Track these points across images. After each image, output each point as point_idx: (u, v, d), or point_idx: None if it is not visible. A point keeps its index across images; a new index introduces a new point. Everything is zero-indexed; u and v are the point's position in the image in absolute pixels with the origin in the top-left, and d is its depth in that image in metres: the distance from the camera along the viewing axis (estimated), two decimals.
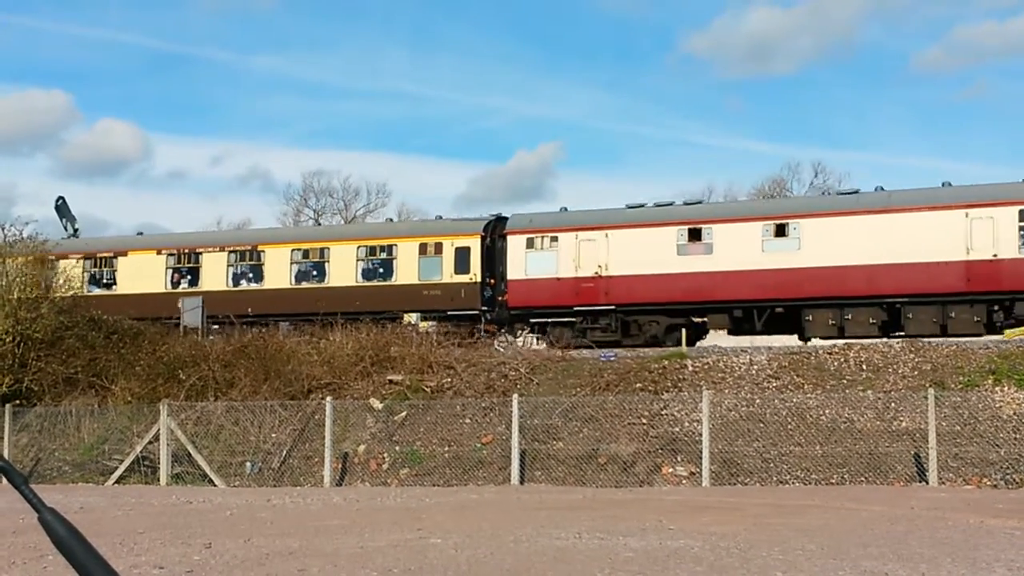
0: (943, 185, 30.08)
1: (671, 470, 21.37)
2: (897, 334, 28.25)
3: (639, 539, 12.38)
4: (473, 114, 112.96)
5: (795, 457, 20.94)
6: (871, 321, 29.02)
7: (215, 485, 22.94)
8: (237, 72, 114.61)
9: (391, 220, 38.16)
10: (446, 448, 23.25)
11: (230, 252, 36.15)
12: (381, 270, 34.85)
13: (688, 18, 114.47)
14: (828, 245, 29.42)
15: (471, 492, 19.95)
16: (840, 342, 26.31)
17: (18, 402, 26.67)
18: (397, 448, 23.64)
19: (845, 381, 22.83)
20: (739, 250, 30.29)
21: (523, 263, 32.39)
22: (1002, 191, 29.01)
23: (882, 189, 31.13)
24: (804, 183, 70.78)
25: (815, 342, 28.06)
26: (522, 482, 21.49)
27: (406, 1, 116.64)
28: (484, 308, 33.11)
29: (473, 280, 33.32)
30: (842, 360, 23.54)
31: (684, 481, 21.00)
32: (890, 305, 29.04)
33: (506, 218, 34.69)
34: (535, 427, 22.65)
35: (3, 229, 31.76)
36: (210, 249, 36.51)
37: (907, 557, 10.90)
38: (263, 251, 35.72)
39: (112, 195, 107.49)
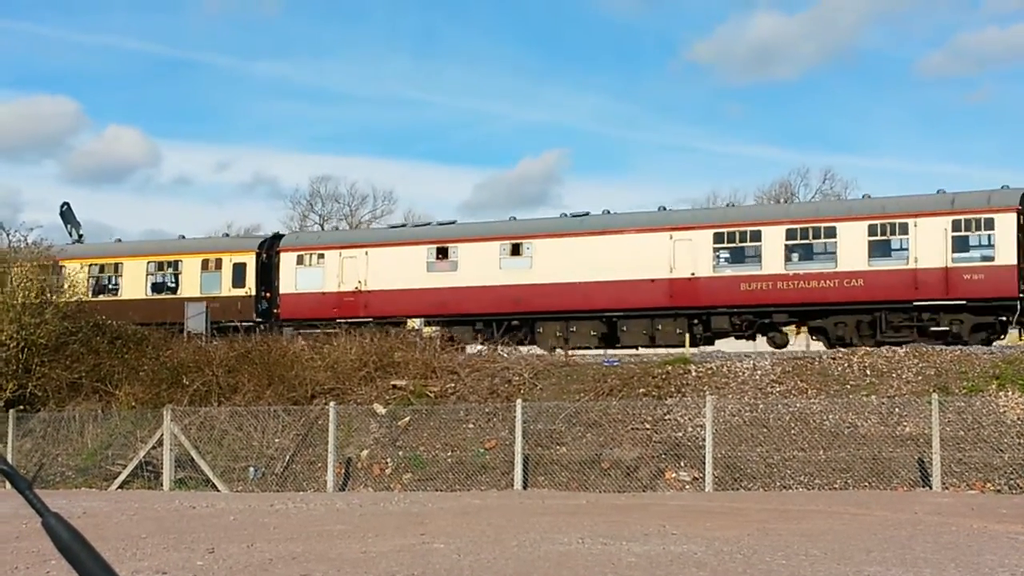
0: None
1: (674, 475, 21.36)
2: (617, 345, 30.87)
3: (642, 544, 12.38)
4: (477, 120, 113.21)
5: (798, 462, 20.93)
6: (592, 333, 31.32)
7: (218, 490, 22.95)
8: (242, 77, 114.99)
9: (183, 237, 39.77)
10: (449, 453, 23.25)
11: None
12: (169, 284, 37.56)
13: (692, 25, 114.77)
14: (556, 264, 31.86)
15: (474, 497, 19.94)
16: (843, 348, 26.31)
17: (22, 407, 26.71)
18: (400, 453, 23.64)
19: (849, 386, 22.82)
20: (480, 267, 32.83)
21: (294, 278, 35.03)
22: (701, 215, 33.13)
23: (608, 212, 33.72)
24: (812, 188, 70.73)
25: (815, 346, 28.14)
26: (525, 487, 21.49)
27: (410, 7, 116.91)
28: (259, 320, 34.95)
29: (248, 294, 35.73)
30: (846, 365, 23.53)
31: (687, 486, 20.99)
32: (608, 318, 31.24)
33: (282, 236, 37.98)
34: (538, 432, 22.65)
35: (8, 235, 31.86)
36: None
37: (911, 562, 10.89)
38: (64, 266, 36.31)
39: (118, 201, 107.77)
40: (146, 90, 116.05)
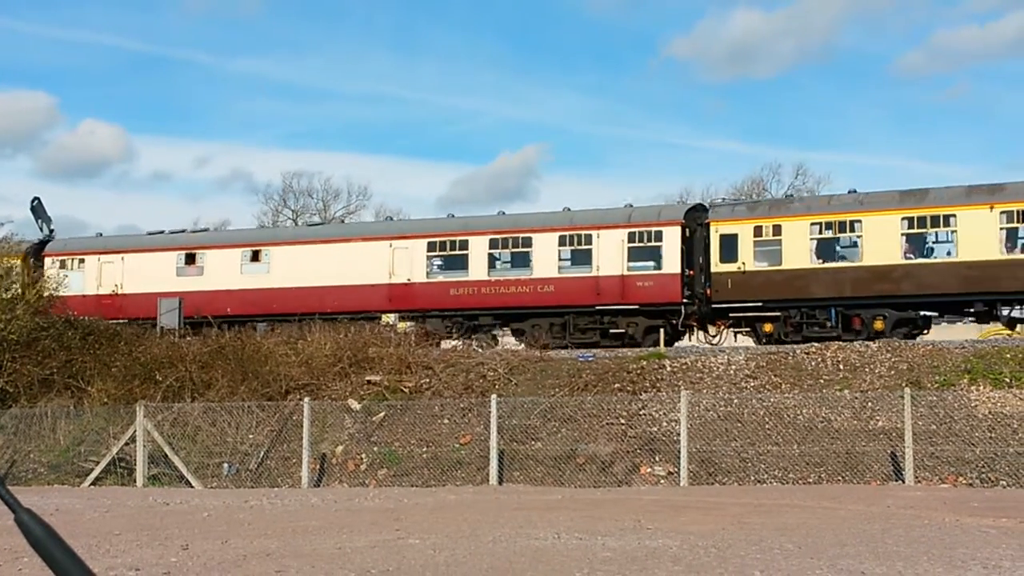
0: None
1: (649, 470, 21.41)
2: None
3: (617, 539, 12.40)
4: (455, 116, 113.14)
5: (773, 456, 21.03)
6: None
7: (192, 486, 22.84)
8: (219, 74, 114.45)
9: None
10: (424, 449, 23.23)
11: None
12: None
13: (671, 22, 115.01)
14: (292, 270, 34.65)
15: (449, 493, 19.93)
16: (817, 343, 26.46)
17: None
18: (375, 449, 23.60)
19: (822, 381, 22.94)
20: (224, 272, 35.43)
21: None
22: (417, 225, 35.69)
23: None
24: (784, 184, 71.04)
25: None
26: (501, 482, 21.49)
27: (388, 3, 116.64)
28: None
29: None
30: (819, 360, 23.66)
31: (662, 481, 21.04)
32: (339, 321, 32.39)
33: (48, 242, 38.84)
34: (514, 427, 22.65)
35: None
36: None
37: (884, 555, 10.95)
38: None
39: (94, 197, 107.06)
40: (123, 86, 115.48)
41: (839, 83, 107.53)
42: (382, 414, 24.31)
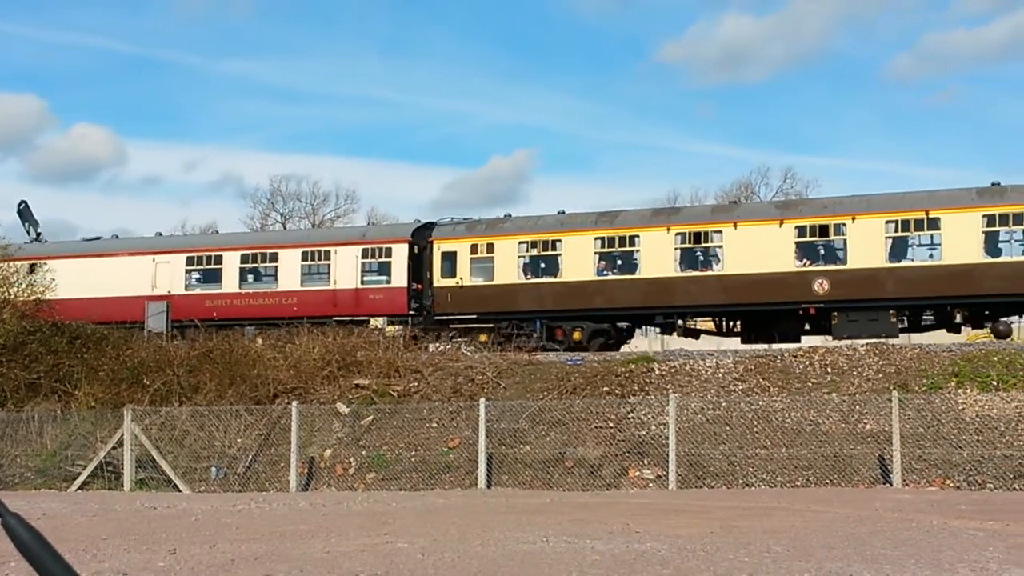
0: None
1: (638, 473, 21.42)
2: None
3: (606, 542, 12.40)
4: (447, 120, 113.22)
5: (761, 460, 21.05)
6: None
7: (180, 491, 22.77)
8: (210, 77, 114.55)
9: None
10: (413, 452, 23.20)
11: None
12: None
13: (662, 26, 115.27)
14: (72, 282, 35.71)
15: (438, 496, 19.91)
16: (806, 345, 26.53)
17: None
18: (364, 452, 23.57)
19: (810, 384, 22.98)
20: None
21: None
22: (178, 241, 38.67)
23: (116, 237, 40.65)
24: (773, 187, 71.32)
25: (779, 345, 28.50)
26: (489, 486, 21.47)
27: (380, 7, 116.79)
28: None
29: None
30: (807, 363, 23.70)
31: (651, 484, 21.05)
32: None
33: None
34: (502, 431, 22.64)
35: None
36: None
37: (872, 558, 10.98)
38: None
39: (85, 200, 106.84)
40: (114, 89, 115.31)
41: (829, 87, 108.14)
42: (370, 418, 24.28)
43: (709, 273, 30.93)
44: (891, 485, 19.56)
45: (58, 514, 17.14)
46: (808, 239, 30.03)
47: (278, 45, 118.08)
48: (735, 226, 30.55)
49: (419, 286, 33.76)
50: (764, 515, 15.33)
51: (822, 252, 30.18)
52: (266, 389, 25.86)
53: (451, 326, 32.63)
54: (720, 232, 30.70)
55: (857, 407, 21.69)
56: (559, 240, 32.12)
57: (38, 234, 40.57)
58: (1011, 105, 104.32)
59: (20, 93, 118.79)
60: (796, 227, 30.11)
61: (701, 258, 31.60)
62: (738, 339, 31.44)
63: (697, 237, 31.08)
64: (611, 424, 22.56)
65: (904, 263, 29.29)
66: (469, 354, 28.11)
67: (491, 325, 31.90)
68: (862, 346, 24.77)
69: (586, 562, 11.00)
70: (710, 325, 32.44)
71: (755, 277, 29.84)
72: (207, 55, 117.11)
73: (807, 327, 30.61)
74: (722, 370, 23.98)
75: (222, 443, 24.27)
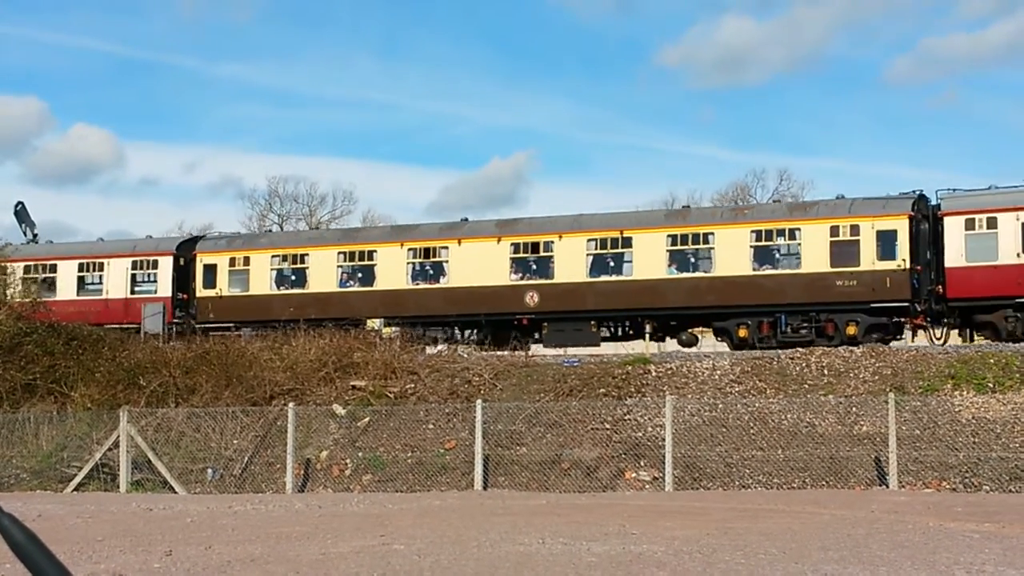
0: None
1: (634, 475, 21.42)
2: None
3: (602, 544, 12.40)
4: (445, 122, 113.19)
5: (757, 461, 21.05)
6: None
7: (176, 492, 22.75)
8: (209, 79, 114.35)
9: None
10: (409, 454, 23.19)
11: None
12: None
13: (661, 30, 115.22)
14: None
15: (434, 498, 19.90)
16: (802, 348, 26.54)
17: None
18: (360, 454, 23.55)
19: (807, 386, 22.99)
20: None
21: None
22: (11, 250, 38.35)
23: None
24: (769, 190, 71.33)
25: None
26: (485, 487, 21.47)
27: (374, 10, 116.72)
28: None
29: None
30: (804, 365, 23.71)
31: (647, 486, 21.05)
32: None
33: None
34: (499, 432, 22.64)
35: None
36: None
37: (868, 560, 10.98)
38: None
39: (83, 202, 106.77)
40: (114, 91, 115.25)
41: (828, 90, 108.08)
42: (367, 419, 24.27)
43: (436, 286, 33.30)
44: (887, 487, 19.58)
45: (54, 515, 17.13)
46: (522, 255, 32.53)
47: (275, 47, 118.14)
48: (459, 243, 33.19)
49: (184, 296, 36.00)
50: (760, 517, 15.34)
51: (534, 267, 32.51)
52: (262, 391, 25.84)
53: (211, 334, 33.02)
54: (447, 248, 33.29)
55: (853, 409, 21.70)
56: (307, 254, 35.09)
57: (35, 235, 40.53)
58: (1009, 108, 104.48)
59: (21, 95, 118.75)
60: (512, 244, 32.63)
61: (431, 272, 33.90)
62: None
63: (427, 252, 33.73)
64: (608, 426, 22.56)
65: (603, 278, 31.63)
66: (466, 355, 28.11)
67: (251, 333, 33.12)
68: (859, 348, 24.79)
69: (582, 564, 11.00)
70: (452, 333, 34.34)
71: (477, 290, 32.17)
72: (205, 58, 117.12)
73: (524, 335, 32.50)
74: (718, 372, 23.98)
75: (218, 445, 24.25)
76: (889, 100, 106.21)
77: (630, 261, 31.61)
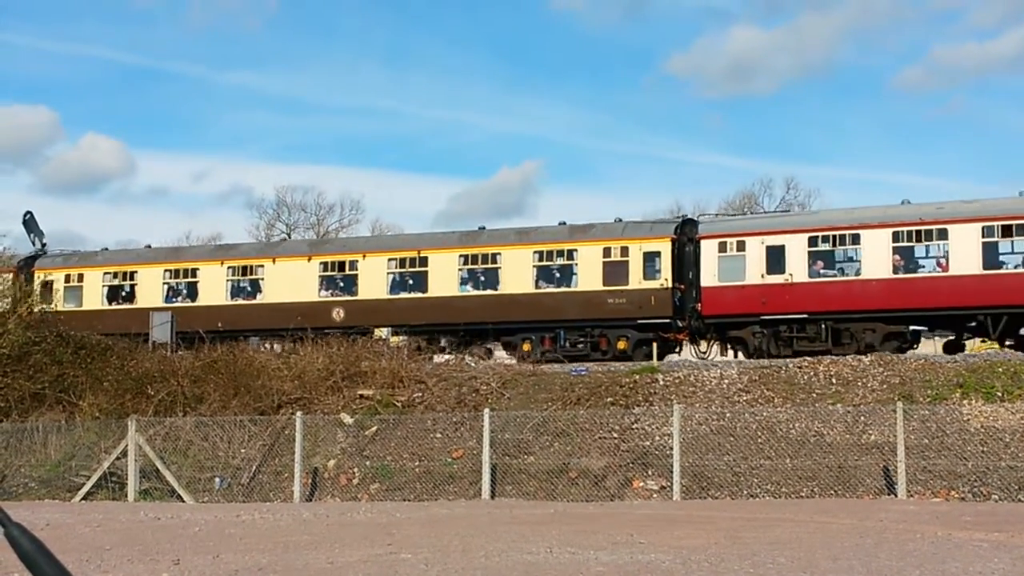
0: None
1: (642, 484, 21.39)
2: None
3: (610, 553, 12.38)
4: (453, 131, 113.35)
5: (765, 471, 21.02)
6: None
7: (183, 501, 22.76)
8: (217, 88, 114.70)
9: None
10: (417, 463, 23.18)
11: None
12: None
13: (669, 39, 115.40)
14: None
15: (442, 507, 19.89)
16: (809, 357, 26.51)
17: None
18: (368, 463, 23.55)
19: (815, 395, 22.95)
20: None
21: None
22: None
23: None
24: (776, 198, 71.21)
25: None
26: (493, 496, 21.45)
27: (382, 18, 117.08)
28: None
29: None
30: (812, 374, 23.67)
31: (655, 495, 21.02)
32: None
33: None
34: (506, 441, 22.62)
35: None
36: None
37: (876, 570, 10.95)
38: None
39: (93, 211, 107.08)
40: (123, 100, 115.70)
41: (836, 98, 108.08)
42: (374, 428, 24.27)
43: (254, 302, 35.23)
44: (896, 496, 19.52)
45: (62, 524, 17.14)
46: (330, 273, 34.79)
47: (283, 56, 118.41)
48: (274, 261, 35.51)
49: None
50: (768, 526, 15.31)
51: (341, 284, 34.72)
52: (270, 400, 25.85)
53: None
54: (263, 266, 35.54)
55: (862, 418, 21.66)
56: (136, 271, 36.87)
57: (43, 245, 40.61)
58: (1018, 116, 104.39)
59: (32, 105, 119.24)
60: (321, 263, 34.98)
61: (248, 288, 35.76)
62: None
63: (245, 270, 35.91)
64: (615, 435, 22.54)
65: (402, 295, 33.77)
66: (473, 364, 28.12)
67: None
68: (867, 357, 24.74)
69: (590, 573, 10.99)
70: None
71: (289, 306, 33.86)
72: (213, 66, 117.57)
73: None
74: (726, 381, 23.95)
75: (226, 453, 24.27)
76: (897, 108, 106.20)
77: (427, 279, 33.62)
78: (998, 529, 14.52)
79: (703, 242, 30.98)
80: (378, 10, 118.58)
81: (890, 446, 20.20)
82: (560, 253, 32.63)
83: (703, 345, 31.36)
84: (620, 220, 32.71)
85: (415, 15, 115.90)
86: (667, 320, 30.93)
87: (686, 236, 31.72)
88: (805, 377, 23.61)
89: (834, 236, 30.02)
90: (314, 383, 26.32)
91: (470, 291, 33.21)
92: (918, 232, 29.15)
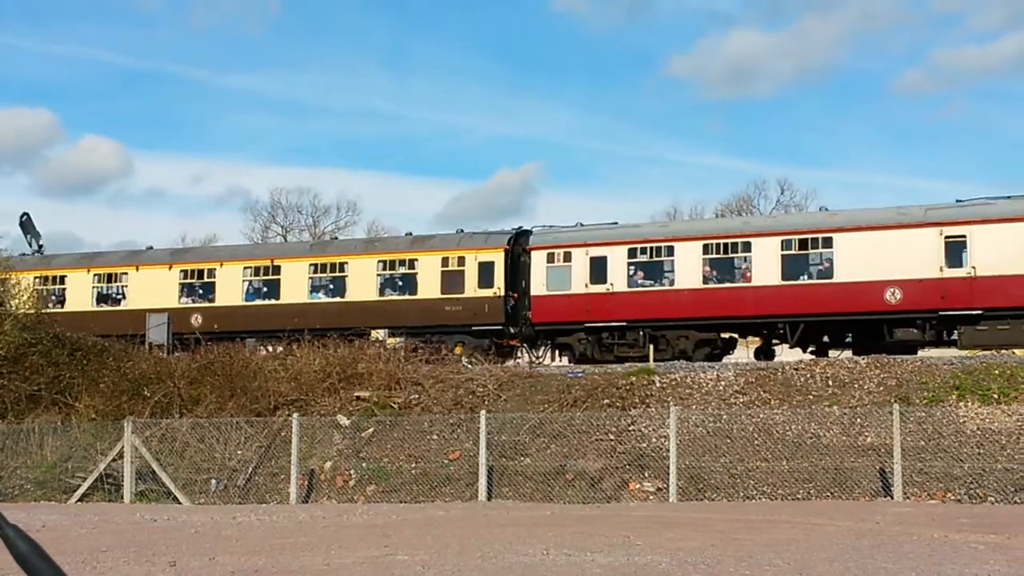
0: None
1: (638, 486, 21.39)
2: None
3: (606, 555, 12.38)
4: (453, 133, 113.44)
5: (762, 472, 21.02)
6: None
7: (180, 503, 22.74)
8: (216, 90, 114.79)
9: None
10: (413, 464, 23.17)
11: None
12: None
13: (670, 41, 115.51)
14: None
15: (438, 508, 19.88)
16: (807, 357, 26.56)
17: None
18: (364, 465, 23.54)
19: (811, 397, 22.96)
20: None
21: None
22: None
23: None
24: (771, 200, 71.38)
25: (781, 358, 28.83)
26: (489, 498, 21.44)
27: (382, 20, 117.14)
28: None
29: None
30: (808, 376, 23.68)
31: (651, 497, 21.02)
32: None
33: None
34: (503, 443, 22.62)
35: None
36: None
37: (873, 572, 10.96)
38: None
39: (91, 212, 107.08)
40: (123, 102, 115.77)
41: (837, 101, 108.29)
42: (371, 430, 24.26)
43: (118, 308, 36.65)
44: (892, 498, 19.53)
45: (58, 526, 17.12)
46: (190, 281, 36.47)
47: (282, 58, 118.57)
48: (138, 269, 36.86)
49: None
50: (765, 528, 15.31)
51: (200, 292, 36.31)
52: (267, 401, 25.84)
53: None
54: (127, 274, 36.89)
55: (858, 420, 21.66)
56: (7, 279, 37.14)
57: (40, 246, 40.60)
58: (1018, 119, 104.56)
59: (33, 107, 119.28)
60: (182, 270, 36.62)
61: (113, 295, 37.35)
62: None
63: (110, 278, 37.33)
64: (612, 436, 22.54)
65: (256, 302, 35.41)
66: (470, 366, 28.11)
67: None
68: (863, 359, 24.76)
69: (587, 575, 10.98)
70: None
71: (151, 312, 34.76)
72: (213, 68, 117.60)
73: None
74: (723, 383, 23.96)
75: (222, 455, 24.25)
76: (897, 111, 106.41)
77: (279, 287, 35.43)
78: (994, 531, 14.53)
79: (533, 253, 32.52)
80: (378, 12, 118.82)
81: (886, 448, 20.21)
82: (403, 263, 34.51)
83: (540, 351, 33.17)
84: (461, 231, 34.56)
85: (415, 17, 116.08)
86: (500, 327, 32.65)
87: (520, 247, 33.30)
88: (801, 379, 23.62)
89: (651, 248, 31.55)
90: (311, 385, 26.30)
91: (321, 298, 34.92)
92: (726, 245, 30.75)
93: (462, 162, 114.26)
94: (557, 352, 32.81)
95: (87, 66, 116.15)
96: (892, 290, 28.58)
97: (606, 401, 23.92)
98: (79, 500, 23.59)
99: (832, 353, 30.06)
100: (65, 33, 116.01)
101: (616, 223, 33.20)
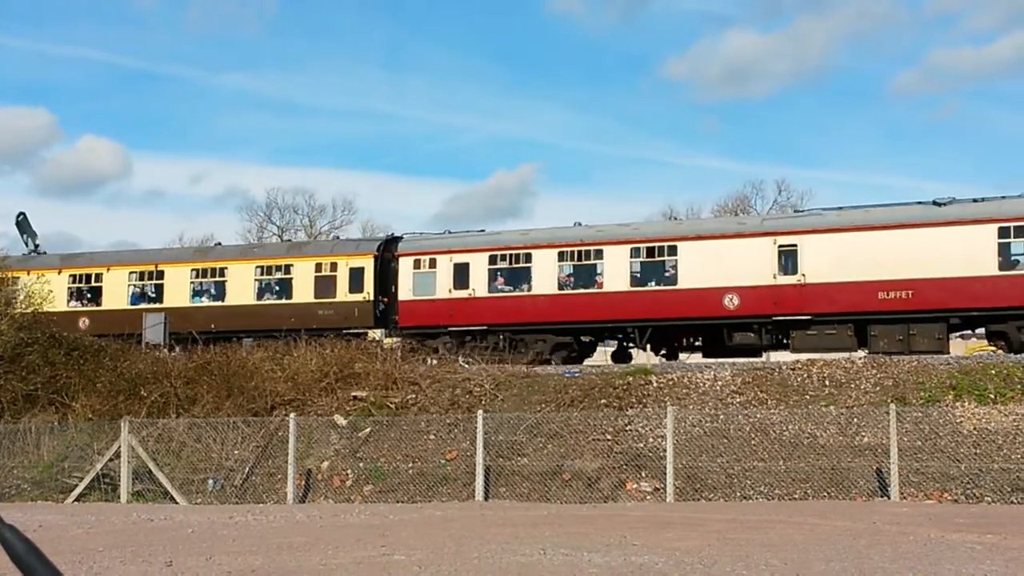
0: None
1: (635, 486, 21.39)
2: None
3: (603, 555, 12.37)
4: (449, 134, 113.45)
5: (759, 472, 21.03)
6: None
7: (176, 502, 22.72)
8: (214, 90, 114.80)
9: None
10: (410, 464, 23.17)
11: None
12: None
13: (666, 43, 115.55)
14: None
15: (435, 508, 19.87)
16: (803, 358, 26.56)
17: None
18: (361, 464, 23.53)
19: (808, 397, 22.96)
20: None
21: None
22: None
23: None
24: (768, 200, 71.43)
25: (777, 357, 28.98)
26: (486, 498, 21.44)
27: (379, 21, 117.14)
28: None
29: None
30: (805, 376, 23.69)
31: (648, 497, 21.02)
32: None
33: None
34: (500, 443, 22.61)
35: None
36: None
37: (869, 572, 10.96)
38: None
39: (89, 213, 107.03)
40: (121, 102, 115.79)
41: (833, 102, 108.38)
42: (368, 430, 24.25)
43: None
44: (889, 498, 19.54)
45: (54, 526, 17.10)
46: (78, 285, 37.66)
47: (280, 59, 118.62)
48: (28, 273, 36.92)
49: None
50: (762, 528, 15.31)
51: (88, 296, 37.71)
52: (263, 401, 25.83)
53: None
54: (18, 278, 36.28)
55: (855, 420, 21.68)
56: None
57: (36, 246, 40.56)
58: (1014, 120, 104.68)
59: (30, 107, 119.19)
60: (71, 275, 37.85)
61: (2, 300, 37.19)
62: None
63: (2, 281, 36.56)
64: (609, 436, 22.54)
65: (142, 305, 36.50)
66: (467, 366, 28.10)
67: None
68: (860, 359, 24.77)
69: (584, 575, 10.98)
70: None
71: (41, 316, 33.89)
72: (210, 69, 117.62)
73: None
74: (720, 383, 23.96)
75: (219, 455, 24.23)
76: (893, 112, 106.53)
77: (163, 291, 36.80)
78: (991, 531, 14.53)
79: (401, 259, 33.87)
80: (374, 13, 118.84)
81: (883, 448, 20.22)
82: (279, 268, 36.04)
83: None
84: (337, 238, 36.21)
85: (412, 18, 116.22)
86: (369, 330, 34.00)
87: (390, 253, 34.79)
88: (798, 379, 23.63)
89: (511, 255, 32.74)
90: (308, 384, 26.29)
91: (202, 302, 36.29)
92: (579, 252, 31.86)
93: (459, 163, 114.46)
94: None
95: (85, 66, 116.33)
96: (730, 296, 29.78)
97: (603, 401, 23.93)
98: (76, 500, 23.57)
99: (682, 356, 31.67)
100: (63, 34, 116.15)
101: (482, 230, 34.28)
